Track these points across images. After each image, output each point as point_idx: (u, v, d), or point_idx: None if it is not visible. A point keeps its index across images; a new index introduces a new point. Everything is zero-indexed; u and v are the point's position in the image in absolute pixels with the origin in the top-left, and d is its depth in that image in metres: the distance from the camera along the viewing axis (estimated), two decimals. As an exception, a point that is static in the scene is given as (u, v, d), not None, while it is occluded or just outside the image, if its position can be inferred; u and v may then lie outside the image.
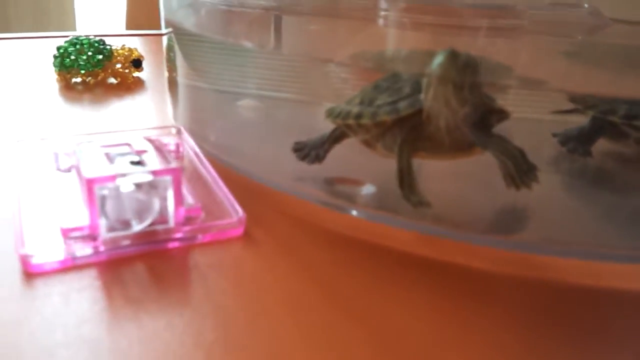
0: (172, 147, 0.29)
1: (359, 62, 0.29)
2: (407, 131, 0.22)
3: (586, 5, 0.33)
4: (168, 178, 0.21)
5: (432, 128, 0.22)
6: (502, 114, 0.23)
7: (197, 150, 0.28)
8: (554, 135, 0.30)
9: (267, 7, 0.36)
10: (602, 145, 0.31)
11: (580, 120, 0.32)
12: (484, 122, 0.22)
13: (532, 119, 0.33)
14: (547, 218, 0.26)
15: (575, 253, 0.23)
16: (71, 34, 0.50)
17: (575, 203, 0.28)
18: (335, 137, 0.26)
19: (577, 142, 0.30)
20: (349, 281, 0.20)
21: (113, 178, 0.20)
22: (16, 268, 0.20)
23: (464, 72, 0.20)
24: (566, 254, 0.23)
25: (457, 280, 0.21)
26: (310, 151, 0.27)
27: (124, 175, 0.21)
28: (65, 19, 1.06)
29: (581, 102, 0.31)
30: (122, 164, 0.22)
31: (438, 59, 0.20)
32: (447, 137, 0.22)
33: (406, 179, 0.22)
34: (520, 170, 0.22)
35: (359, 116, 0.23)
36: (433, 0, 0.37)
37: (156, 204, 0.21)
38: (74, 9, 1.07)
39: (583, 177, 0.31)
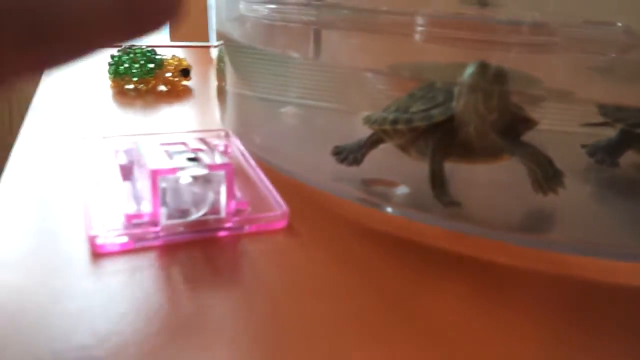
0: (222, 148, 0.31)
1: (397, 72, 0.31)
2: (439, 137, 0.24)
3: (619, 24, 0.34)
4: (222, 173, 0.24)
5: (463, 134, 0.23)
6: (530, 123, 0.24)
7: (244, 151, 0.31)
8: (583, 146, 0.32)
9: (307, 22, 0.38)
10: (630, 156, 0.32)
11: (610, 133, 0.33)
12: (512, 130, 0.24)
13: (565, 131, 0.35)
14: (574, 221, 0.27)
15: (601, 253, 0.25)
16: (124, 44, 0.54)
17: (603, 209, 0.29)
18: (372, 142, 0.28)
19: (605, 154, 0.31)
20: (383, 271, 0.22)
21: (174, 171, 0.23)
22: (86, 249, 0.23)
23: (493, 82, 0.22)
24: (592, 254, 0.24)
25: (484, 273, 0.23)
26: (349, 155, 0.29)
27: (183, 169, 0.23)
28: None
29: (611, 116, 0.33)
30: (181, 160, 0.24)
31: (469, 70, 0.22)
32: (476, 143, 0.24)
33: (438, 180, 0.24)
34: (546, 176, 0.24)
35: (395, 122, 0.25)
36: (469, 16, 0.39)
37: (210, 196, 0.24)
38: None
39: (611, 186, 0.32)
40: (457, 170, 0.28)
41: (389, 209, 0.27)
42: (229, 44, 0.39)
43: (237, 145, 0.32)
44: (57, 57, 0.17)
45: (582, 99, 0.29)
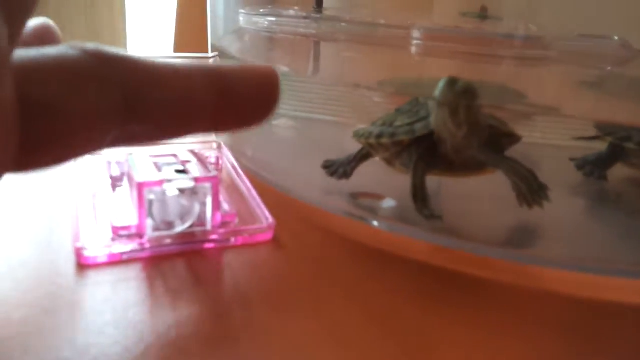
0: (213, 160, 0.32)
1: (384, 88, 0.31)
2: (422, 150, 0.24)
3: (616, 38, 0.34)
4: (208, 185, 0.24)
5: (443, 148, 0.24)
6: (513, 137, 0.24)
7: (235, 163, 0.31)
8: (572, 159, 0.32)
9: (306, 35, 0.39)
10: (621, 171, 0.32)
11: (602, 147, 0.33)
12: (495, 145, 0.24)
13: (556, 145, 0.35)
14: (561, 236, 0.27)
15: (588, 268, 0.24)
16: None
17: (591, 223, 0.29)
18: (362, 156, 0.29)
19: (593, 167, 0.31)
20: (366, 286, 0.22)
21: (160, 183, 0.23)
22: (72, 260, 0.23)
23: (460, 97, 0.22)
24: (579, 269, 0.24)
25: (468, 289, 0.23)
26: (339, 168, 0.29)
27: (169, 181, 0.23)
28: (116, 41, 1.13)
29: (603, 129, 0.33)
30: (169, 172, 0.25)
31: (439, 85, 0.22)
32: (456, 157, 0.24)
33: (419, 194, 0.24)
34: (531, 189, 0.24)
35: (379, 136, 0.25)
36: (468, 30, 0.39)
37: (196, 208, 0.24)
38: (125, 33, 1.15)
39: (600, 200, 0.32)
40: (444, 184, 0.28)
41: (376, 223, 0.27)
42: (223, 56, 0.39)
43: (228, 158, 0.32)
44: (145, 136, 0.17)
45: (566, 115, 0.29)
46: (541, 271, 0.24)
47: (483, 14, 0.39)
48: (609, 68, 0.36)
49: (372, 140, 0.26)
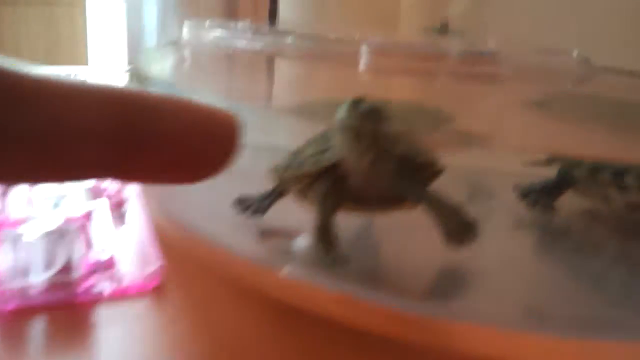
0: (112, 191, 0.28)
1: (299, 112, 0.28)
2: (330, 183, 0.21)
3: (575, 53, 0.32)
4: (76, 226, 0.20)
5: (353, 180, 0.20)
6: (434, 168, 0.21)
7: (140, 193, 0.27)
8: (515, 187, 0.29)
9: (250, 51, 0.36)
10: (573, 200, 0.29)
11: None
12: (413, 175, 0.20)
13: (502, 171, 0.31)
14: (496, 284, 0.23)
15: (528, 328, 0.21)
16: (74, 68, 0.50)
17: (535, 266, 0.25)
18: (279, 192, 0.25)
19: (538, 195, 0.28)
20: (258, 347, 0.19)
21: (15, 224, 0.19)
22: None
23: (364, 120, 0.19)
24: (515, 328, 0.20)
25: (385, 353, 0.19)
26: (252, 204, 0.25)
27: (30, 221, 0.20)
28: (77, 54, 1.09)
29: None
30: (42, 207, 0.21)
31: (342, 107, 0.19)
32: (368, 190, 0.20)
33: (323, 233, 0.20)
34: (458, 227, 0.21)
35: (287, 168, 0.22)
36: (414, 46, 0.37)
37: (63, 253, 0.20)
38: (86, 44, 1.11)
39: (547, 236, 0.29)
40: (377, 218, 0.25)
41: (286, 270, 0.22)
42: (138, 72, 0.36)
43: (133, 188, 0.28)
44: (12, 170, 0.12)
45: (488, 145, 0.26)
46: (468, 329, 0.20)
47: (443, 29, 0.37)
48: (568, 87, 0.33)
49: (281, 173, 0.22)
